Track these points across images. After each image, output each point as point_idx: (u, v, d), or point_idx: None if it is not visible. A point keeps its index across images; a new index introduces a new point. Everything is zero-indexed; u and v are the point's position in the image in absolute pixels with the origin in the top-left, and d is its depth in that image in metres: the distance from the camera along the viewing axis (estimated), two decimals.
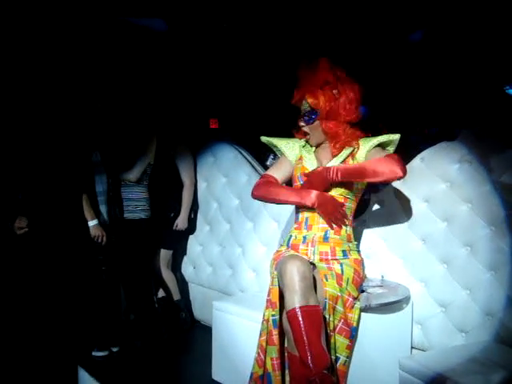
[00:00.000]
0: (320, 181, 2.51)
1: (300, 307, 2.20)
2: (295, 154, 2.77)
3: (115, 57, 4.42)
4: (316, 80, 2.58)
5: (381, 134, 2.69)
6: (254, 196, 2.69)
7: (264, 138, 2.86)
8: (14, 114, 3.46)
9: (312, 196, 2.50)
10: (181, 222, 3.96)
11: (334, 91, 2.58)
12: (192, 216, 4.05)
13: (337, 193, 2.57)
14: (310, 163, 2.67)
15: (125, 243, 3.71)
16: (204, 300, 3.96)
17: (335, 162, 2.61)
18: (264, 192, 2.65)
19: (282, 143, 2.81)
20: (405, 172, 2.44)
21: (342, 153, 2.64)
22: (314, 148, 2.73)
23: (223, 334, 3.07)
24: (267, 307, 2.43)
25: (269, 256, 2.77)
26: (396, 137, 2.65)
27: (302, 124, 2.67)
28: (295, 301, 2.22)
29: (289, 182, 2.80)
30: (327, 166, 2.58)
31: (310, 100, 2.58)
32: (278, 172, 2.76)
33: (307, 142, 2.75)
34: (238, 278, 3.70)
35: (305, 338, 2.15)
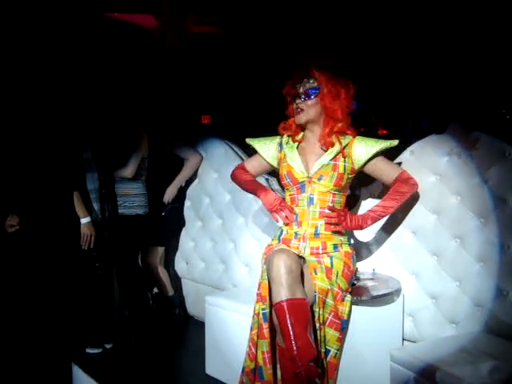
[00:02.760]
0: (354, 227, 2.63)
1: (286, 300, 2.21)
2: (271, 156, 2.79)
3: (106, 54, 4.41)
4: (322, 61, 2.65)
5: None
6: (231, 178, 2.96)
7: (248, 140, 2.91)
8: (4, 112, 3.45)
9: (263, 199, 2.69)
10: (168, 191, 3.94)
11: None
12: (180, 206, 4.06)
13: (325, 188, 2.58)
14: (295, 161, 2.65)
15: (121, 239, 3.70)
16: (197, 295, 3.97)
17: (323, 160, 2.60)
18: (239, 180, 2.89)
19: (258, 145, 2.84)
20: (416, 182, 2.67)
21: (330, 150, 2.62)
22: (296, 144, 2.71)
23: (216, 328, 3.08)
24: (257, 301, 2.44)
25: (261, 250, 2.78)
26: (395, 143, 2.66)
27: (298, 101, 2.63)
28: (281, 294, 2.23)
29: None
30: (355, 214, 2.68)
31: (316, 74, 2.59)
32: (250, 166, 2.90)
33: (292, 135, 2.74)
34: (231, 272, 3.71)
35: (291, 330, 2.16)
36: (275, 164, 2.78)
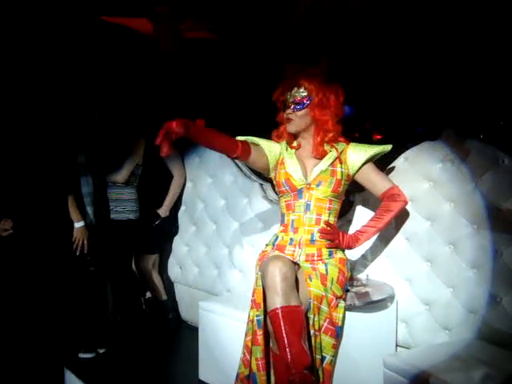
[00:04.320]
0: (344, 246, 2.64)
1: (281, 307, 2.21)
2: (274, 156, 2.70)
3: (102, 58, 4.41)
4: (311, 69, 2.64)
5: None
6: None
7: (242, 137, 2.73)
8: None
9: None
10: (162, 213, 3.94)
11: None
12: (174, 214, 4.05)
13: (323, 195, 2.59)
14: (293, 168, 2.64)
15: (113, 244, 3.71)
16: (191, 300, 3.96)
17: (322, 166, 2.61)
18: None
19: (262, 141, 2.75)
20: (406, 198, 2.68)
21: (328, 155, 2.63)
22: (293, 150, 2.71)
23: (210, 334, 3.08)
24: (252, 307, 2.45)
25: (255, 256, 2.78)
26: (389, 148, 2.67)
27: (288, 112, 2.62)
28: (276, 301, 2.23)
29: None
30: (347, 234, 2.67)
31: (305, 84, 2.57)
32: (254, 147, 2.69)
33: (288, 141, 2.73)
34: (225, 278, 3.71)
35: (285, 338, 2.17)
36: (272, 165, 2.72)
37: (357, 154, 2.63)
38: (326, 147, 2.64)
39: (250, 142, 2.68)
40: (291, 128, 2.66)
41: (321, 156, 2.64)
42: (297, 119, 2.62)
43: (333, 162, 2.62)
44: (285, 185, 2.65)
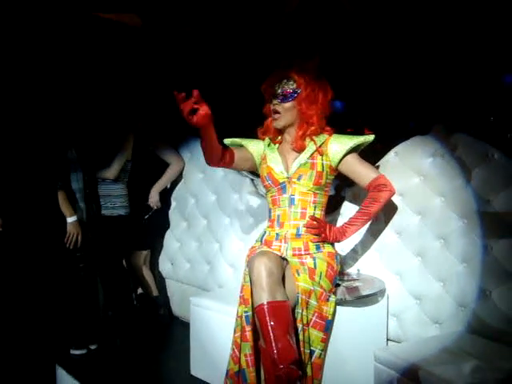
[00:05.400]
0: (332, 240, 2.62)
1: (267, 303, 2.22)
2: (258, 154, 2.77)
3: (91, 53, 4.38)
4: (302, 63, 2.63)
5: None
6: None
7: (227, 140, 2.82)
8: None
9: None
10: (151, 196, 3.92)
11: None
12: (164, 209, 4.06)
13: (305, 188, 2.59)
14: (275, 162, 2.67)
15: (103, 240, 3.70)
16: (182, 296, 3.96)
17: (301, 160, 2.61)
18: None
19: (246, 141, 2.80)
20: (393, 188, 2.63)
21: (307, 149, 2.63)
22: (277, 145, 2.73)
23: (201, 329, 3.08)
24: (240, 304, 2.45)
25: (246, 251, 2.78)
26: (371, 138, 2.66)
27: (275, 102, 2.62)
28: (262, 297, 2.23)
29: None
30: (334, 227, 2.64)
31: (295, 77, 2.57)
32: (237, 151, 2.73)
33: (271, 137, 2.73)
34: (216, 273, 3.71)
35: (271, 333, 2.17)
36: (258, 162, 2.78)
37: (338, 145, 2.62)
38: (306, 140, 2.64)
39: (233, 148, 2.72)
40: (279, 123, 2.66)
41: (300, 149, 2.64)
42: (284, 113, 2.62)
43: (312, 155, 2.62)
44: (268, 179, 2.66)
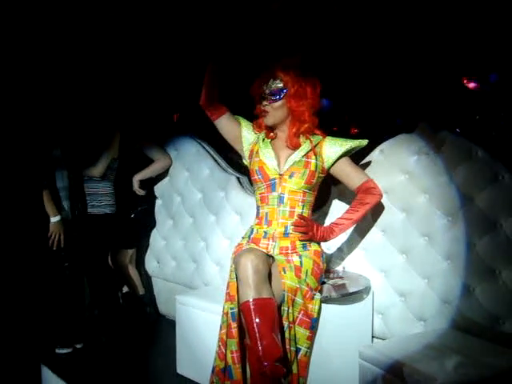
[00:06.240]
0: (319, 239, 2.62)
1: (253, 300, 2.22)
2: (248, 140, 2.78)
3: (77, 50, 4.35)
4: (286, 60, 2.65)
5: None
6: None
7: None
8: None
9: None
10: (133, 181, 3.89)
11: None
12: (150, 208, 4.05)
13: (296, 186, 2.59)
14: (268, 157, 2.66)
15: (89, 238, 3.68)
16: (168, 294, 3.95)
17: (296, 157, 2.61)
18: None
19: (244, 123, 2.82)
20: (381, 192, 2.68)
21: (302, 146, 2.64)
22: (270, 141, 2.72)
23: (187, 327, 3.07)
24: (226, 300, 2.45)
25: (232, 249, 2.78)
26: (365, 143, 2.68)
27: (265, 103, 2.63)
28: (248, 294, 2.24)
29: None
30: (322, 226, 2.64)
31: (281, 75, 2.59)
32: (230, 119, 2.81)
33: (266, 132, 2.74)
34: (202, 271, 3.70)
35: (256, 330, 2.17)
36: (244, 148, 2.78)
37: (332, 148, 2.64)
38: (301, 138, 2.65)
39: (230, 113, 2.78)
40: (268, 120, 2.66)
41: (295, 147, 2.64)
42: (273, 111, 2.63)
43: (307, 153, 2.62)
44: (258, 173, 2.65)
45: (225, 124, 2.80)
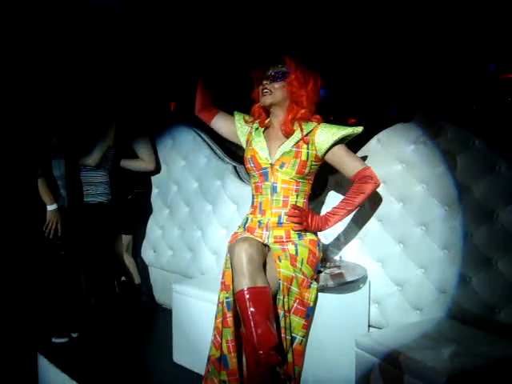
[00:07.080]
0: (314, 228, 2.59)
1: (247, 288, 2.21)
2: (242, 131, 2.78)
3: (73, 39, 4.33)
4: (292, 50, 2.67)
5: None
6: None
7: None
8: None
9: None
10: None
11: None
12: (146, 195, 4.06)
13: (287, 176, 2.56)
14: (260, 146, 2.63)
15: (85, 227, 3.67)
16: (165, 283, 3.95)
17: (285, 148, 2.57)
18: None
19: (238, 116, 2.83)
20: (378, 180, 2.61)
21: (292, 136, 2.59)
22: (263, 129, 2.69)
23: (183, 316, 3.08)
24: (221, 290, 2.44)
25: (228, 238, 2.77)
26: (360, 130, 2.63)
27: (265, 82, 2.60)
28: (242, 282, 2.23)
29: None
30: (317, 215, 2.62)
31: (287, 60, 2.58)
32: (223, 117, 2.88)
33: (259, 121, 2.73)
34: (199, 260, 3.70)
35: (251, 318, 2.16)
36: (240, 140, 2.78)
37: (325, 135, 2.59)
38: (295, 126, 2.62)
39: (220, 111, 2.89)
40: (266, 99, 2.61)
41: (288, 134, 2.60)
42: (273, 90, 2.59)
43: (297, 143, 2.58)
44: (250, 162, 2.63)
45: (219, 123, 2.86)
